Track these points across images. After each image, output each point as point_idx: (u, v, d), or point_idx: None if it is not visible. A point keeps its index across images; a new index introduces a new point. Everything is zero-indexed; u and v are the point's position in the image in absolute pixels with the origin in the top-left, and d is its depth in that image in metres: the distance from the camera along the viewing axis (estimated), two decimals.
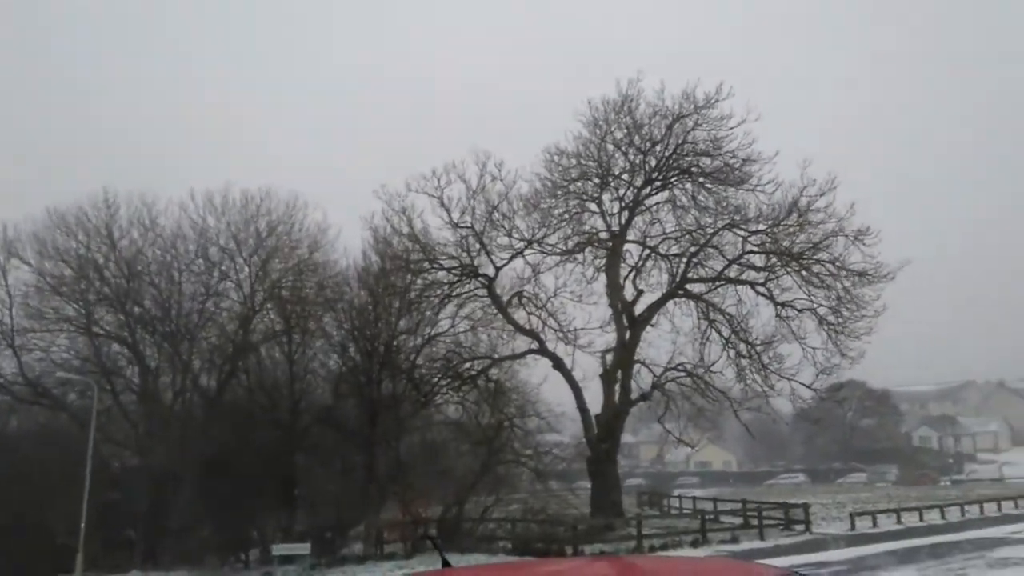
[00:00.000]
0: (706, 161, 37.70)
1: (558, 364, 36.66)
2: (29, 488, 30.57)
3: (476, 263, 36.66)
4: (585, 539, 29.14)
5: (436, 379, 35.14)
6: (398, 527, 32.25)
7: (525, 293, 37.55)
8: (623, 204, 38.89)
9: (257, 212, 35.27)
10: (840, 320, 35.57)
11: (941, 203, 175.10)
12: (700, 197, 38.17)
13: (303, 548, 26.73)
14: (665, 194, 39.22)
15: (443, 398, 36.13)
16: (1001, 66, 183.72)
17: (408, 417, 33.62)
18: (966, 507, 42.25)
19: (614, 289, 37.94)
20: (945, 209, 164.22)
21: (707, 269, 38.45)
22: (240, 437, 31.53)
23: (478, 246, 36.54)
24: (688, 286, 38.26)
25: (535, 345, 36.83)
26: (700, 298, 38.10)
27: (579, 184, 39.00)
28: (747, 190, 36.97)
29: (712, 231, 37.77)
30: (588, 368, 38.05)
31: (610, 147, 38.50)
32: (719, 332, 37.57)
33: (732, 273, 37.60)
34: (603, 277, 38.39)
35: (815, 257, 35.76)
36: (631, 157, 38.46)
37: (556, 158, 38.65)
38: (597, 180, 38.79)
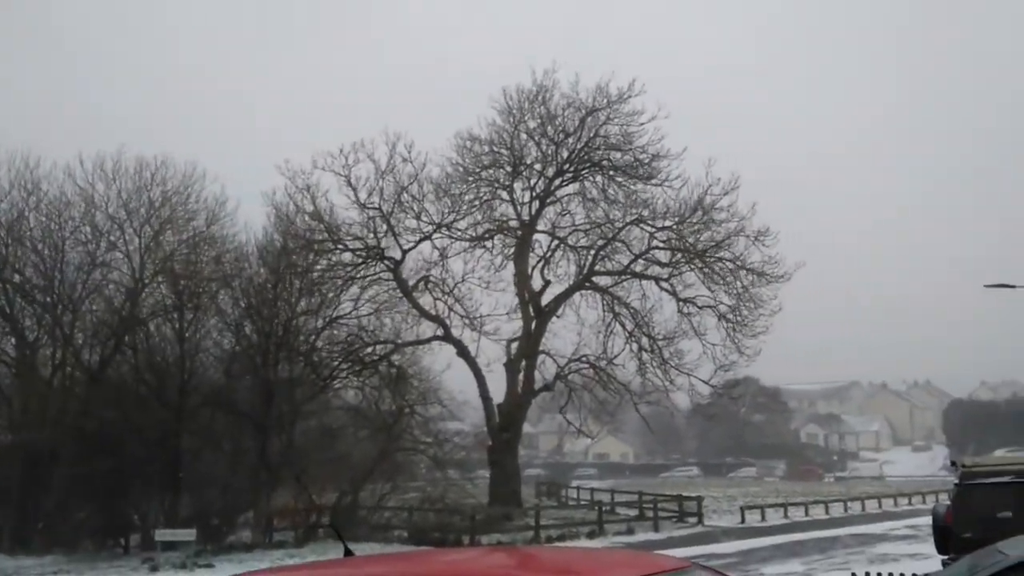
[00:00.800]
0: (617, 155, 38.07)
1: (463, 351, 36.33)
2: None
3: (383, 245, 36.04)
4: (483, 529, 28.91)
5: (336, 363, 34.29)
6: (289, 514, 31.33)
7: (432, 278, 37.14)
8: (534, 194, 38.83)
9: (152, 180, 33.49)
10: (739, 318, 36.52)
11: (831, 208, 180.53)
12: (610, 191, 38.61)
13: (188, 534, 25.59)
14: (576, 186, 39.44)
15: (342, 382, 35.31)
16: (904, 74, 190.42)
17: (305, 401, 32.63)
18: (849, 503, 44.11)
19: (522, 278, 37.78)
20: (832, 214, 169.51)
21: (614, 263, 38.82)
22: (123, 416, 30.00)
23: (385, 228, 35.97)
24: (595, 279, 38.54)
25: (440, 331, 36.42)
26: (606, 291, 38.43)
27: (491, 171, 38.83)
28: (655, 185, 37.58)
29: (620, 225, 38.17)
30: (493, 356, 37.91)
31: (523, 136, 38.43)
32: (623, 325, 38.05)
33: (638, 268, 38.14)
34: (511, 265, 38.24)
35: (717, 255, 36.59)
36: (543, 147, 38.42)
37: (468, 144, 38.40)
38: (509, 168, 38.61)
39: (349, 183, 35.26)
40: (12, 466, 30.03)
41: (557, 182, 38.77)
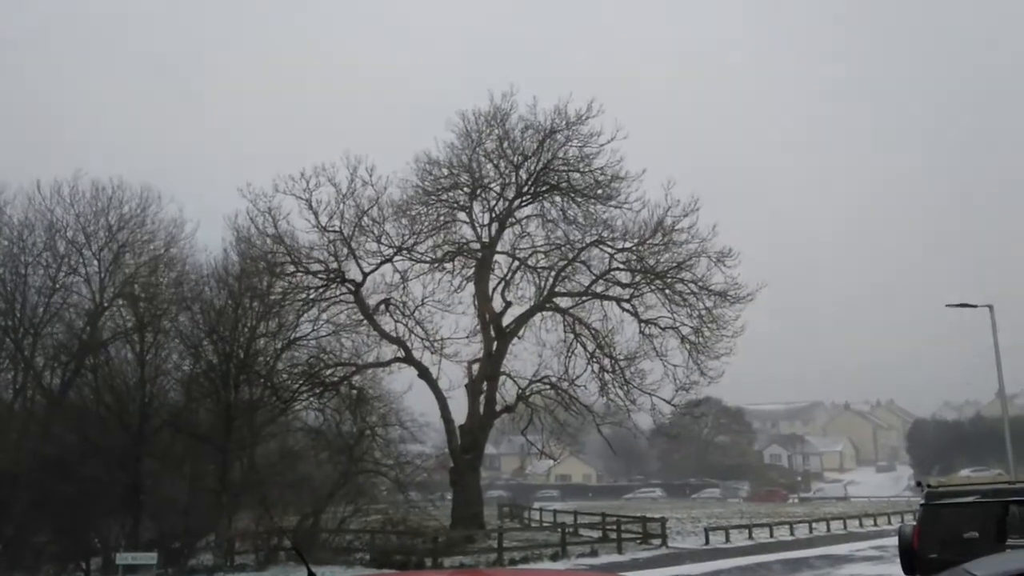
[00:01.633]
0: (576, 176, 38.16)
1: (424, 373, 36.35)
2: None
3: (343, 268, 36.07)
4: (445, 551, 28.88)
5: (297, 385, 34.25)
6: (251, 537, 31.18)
7: (392, 300, 37.17)
8: (493, 215, 38.96)
9: (108, 204, 33.61)
10: (701, 339, 36.48)
11: (792, 228, 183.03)
12: (570, 212, 38.64)
13: (149, 558, 25.38)
14: (536, 207, 39.55)
15: (303, 404, 35.29)
16: (866, 90, 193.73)
17: (265, 423, 32.65)
18: (814, 524, 44.11)
19: (482, 300, 37.90)
20: (789, 234, 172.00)
21: (574, 283, 38.96)
22: (84, 439, 29.87)
23: (346, 251, 35.99)
24: (556, 300, 38.59)
25: (401, 353, 36.46)
26: (567, 312, 38.47)
27: (450, 193, 38.87)
28: (614, 207, 37.68)
29: (580, 246, 38.26)
30: (454, 378, 37.96)
31: (482, 158, 38.57)
32: (584, 346, 38.02)
33: (599, 288, 38.19)
34: (471, 287, 38.35)
35: (678, 276, 36.62)
36: (502, 169, 38.58)
37: (427, 167, 38.50)
38: (468, 190, 38.74)
39: (310, 207, 35.27)
40: None
41: (516, 203, 38.91)
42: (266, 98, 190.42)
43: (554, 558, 30.46)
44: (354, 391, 34.44)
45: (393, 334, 36.61)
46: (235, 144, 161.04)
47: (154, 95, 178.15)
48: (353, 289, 36.07)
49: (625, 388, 37.31)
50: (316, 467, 33.64)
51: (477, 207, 39.01)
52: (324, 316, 35.27)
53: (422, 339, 37.02)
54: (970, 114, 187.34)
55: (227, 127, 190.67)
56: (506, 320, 38.43)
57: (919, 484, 16.38)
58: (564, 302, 38.80)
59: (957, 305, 31.59)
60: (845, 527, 45.58)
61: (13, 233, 33.15)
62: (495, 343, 37.71)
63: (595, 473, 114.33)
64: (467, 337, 37.78)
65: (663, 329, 36.91)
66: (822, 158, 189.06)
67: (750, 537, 38.66)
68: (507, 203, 38.78)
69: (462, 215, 39.14)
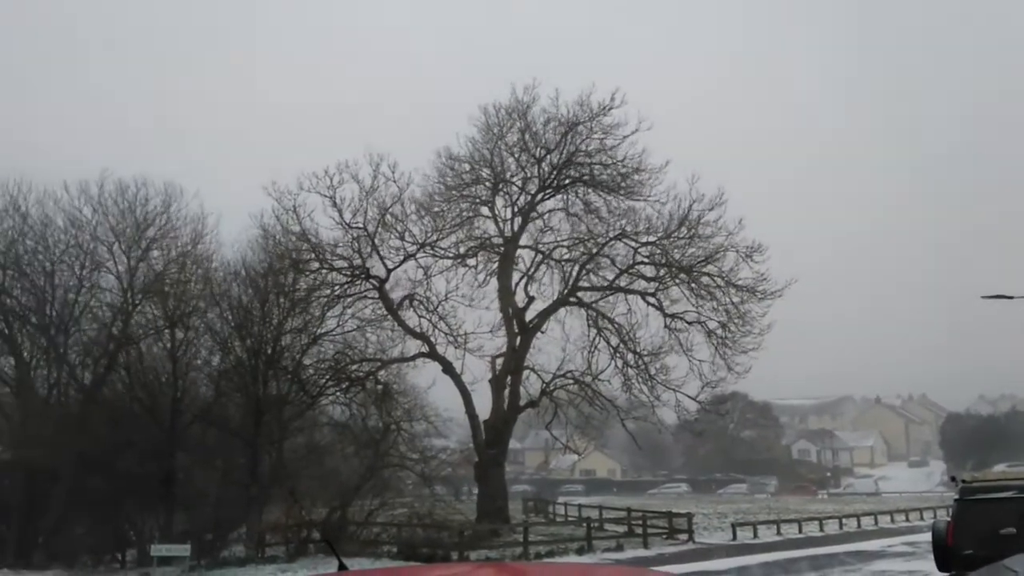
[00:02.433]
0: (599, 169, 38.07)
1: (448, 368, 36.56)
2: None
3: (368, 265, 36.28)
4: (471, 545, 29.17)
5: (323, 380, 34.62)
6: (281, 529, 31.69)
7: (416, 296, 37.31)
8: (516, 210, 39.02)
9: (135, 201, 34.15)
10: (728, 335, 36.12)
11: (825, 220, 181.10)
12: (593, 205, 38.55)
13: (182, 549, 25.99)
14: (559, 201, 39.52)
15: (330, 399, 35.64)
16: (893, 85, 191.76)
17: (293, 417, 33.06)
18: (844, 520, 43.22)
19: (505, 294, 38.00)
20: (819, 228, 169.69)
21: (598, 278, 38.85)
22: (118, 433, 30.54)
23: (370, 247, 36.18)
24: (579, 294, 38.57)
25: (425, 348, 36.68)
26: (590, 306, 38.43)
27: (473, 189, 38.99)
28: (638, 200, 37.56)
29: (604, 240, 38.13)
30: (478, 373, 38.04)
31: (503, 152, 38.63)
32: (608, 341, 37.93)
33: (623, 282, 38.05)
34: (495, 282, 38.49)
35: (704, 270, 36.33)
36: (524, 163, 38.62)
37: (449, 163, 38.66)
38: (490, 185, 38.83)
39: (334, 204, 35.45)
40: (13, 483, 30.62)
41: (539, 197, 38.92)
42: (284, 96, 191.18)
43: (579, 552, 30.52)
44: (379, 386, 34.73)
45: (417, 329, 36.81)
46: (251, 145, 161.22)
47: (165, 95, 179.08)
48: (377, 285, 36.28)
49: (650, 384, 37.20)
50: (343, 461, 34.05)
51: (500, 202, 39.19)
52: (349, 312, 35.50)
53: (446, 334, 37.20)
54: (1009, 101, 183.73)
55: (247, 122, 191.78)
56: (529, 315, 38.47)
57: (953, 479, 16.16)
58: (588, 296, 38.74)
59: (993, 296, 31.11)
60: (876, 523, 44.58)
61: (39, 234, 33.79)
62: (518, 338, 37.79)
63: (620, 468, 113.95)
64: (490, 332, 37.89)
65: (689, 324, 36.63)
66: (854, 149, 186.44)
67: (778, 533, 38.13)
68: (530, 197, 38.82)
69: (485, 210, 39.32)
